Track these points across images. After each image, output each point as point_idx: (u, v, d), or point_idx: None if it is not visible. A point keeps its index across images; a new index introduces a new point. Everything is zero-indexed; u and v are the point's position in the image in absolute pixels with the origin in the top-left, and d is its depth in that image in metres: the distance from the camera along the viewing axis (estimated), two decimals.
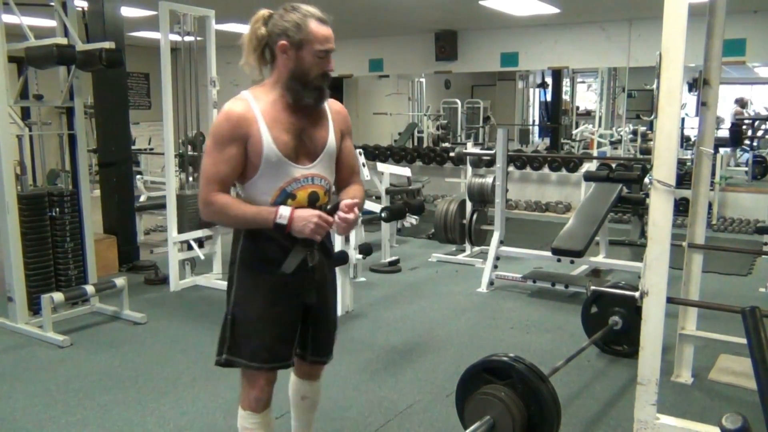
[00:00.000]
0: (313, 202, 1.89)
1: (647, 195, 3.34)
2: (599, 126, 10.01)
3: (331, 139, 1.94)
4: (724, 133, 9.53)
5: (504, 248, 5.15)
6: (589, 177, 5.70)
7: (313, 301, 1.99)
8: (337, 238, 4.15)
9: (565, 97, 12.09)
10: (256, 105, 1.83)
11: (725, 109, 10.47)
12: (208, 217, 1.89)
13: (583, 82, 12.95)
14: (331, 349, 2.14)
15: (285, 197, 1.86)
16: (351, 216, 1.84)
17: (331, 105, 1.98)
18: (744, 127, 10.26)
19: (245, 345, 1.92)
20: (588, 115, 12.29)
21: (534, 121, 13.12)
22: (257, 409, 1.98)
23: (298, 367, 2.18)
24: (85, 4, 5.29)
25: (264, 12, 1.88)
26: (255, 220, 1.83)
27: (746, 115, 10.76)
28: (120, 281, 4.19)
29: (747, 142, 10.29)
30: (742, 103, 10.64)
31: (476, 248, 6.00)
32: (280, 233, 1.83)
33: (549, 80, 11.96)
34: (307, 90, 1.84)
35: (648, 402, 2.44)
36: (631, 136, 9.55)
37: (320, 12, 1.84)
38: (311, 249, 1.91)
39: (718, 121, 7.85)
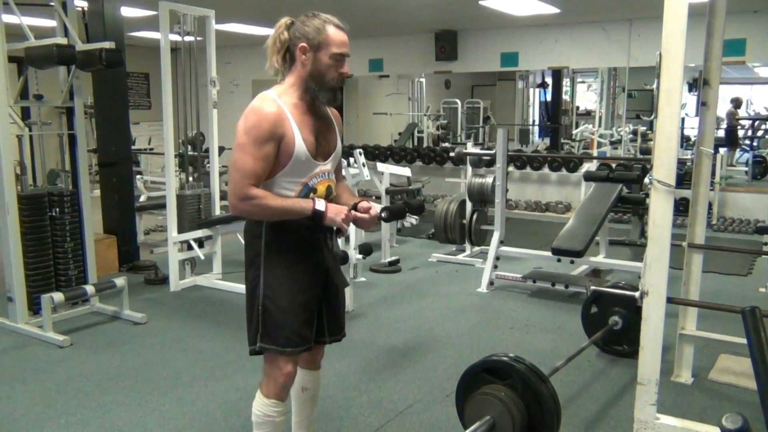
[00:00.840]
0: (328, 194, 2.08)
1: (647, 195, 3.34)
2: (599, 126, 10.01)
3: (339, 140, 2.14)
4: (723, 133, 9.54)
5: (504, 248, 5.15)
6: (589, 177, 5.70)
7: (345, 284, 2.15)
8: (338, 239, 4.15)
9: (565, 97, 12.08)
10: (284, 106, 1.96)
11: (725, 110, 10.46)
12: (243, 211, 1.97)
13: (583, 82, 12.94)
14: (344, 326, 2.28)
15: (308, 191, 2.02)
16: (373, 214, 2.06)
17: (332, 111, 2.15)
18: (741, 127, 10.27)
19: (279, 333, 2.03)
20: (588, 115, 12.28)
21: (534, 121, 13.11)
22: (283, 397, 2.09)
23: (302, 357, 2.24)
24: (85, 4, 5.30)
25: (286, 19, 2.02)
26: (293, 209, 1.96)
27: (739, 115, 10.73)
28: (120, 281, 4.19)
29: (747, 142, 10.30)
30: (737, 103, 10.63)
31: (476, 248, 6.00)
32: (305, 225, 2.00)
33: (549, 80, 11.96)
34: (323, 90, 1.99)
35: (648, 402, 2.44)
36: (631, 136, 9.55)
37: (338, 20, 1.99)
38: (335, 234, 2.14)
39: (718, 121, 7.85)
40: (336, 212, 1.98)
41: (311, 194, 2.02)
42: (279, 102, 1.96)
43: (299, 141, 1.95)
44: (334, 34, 1.95)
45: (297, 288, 2.03)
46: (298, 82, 1.99)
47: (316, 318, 2.13)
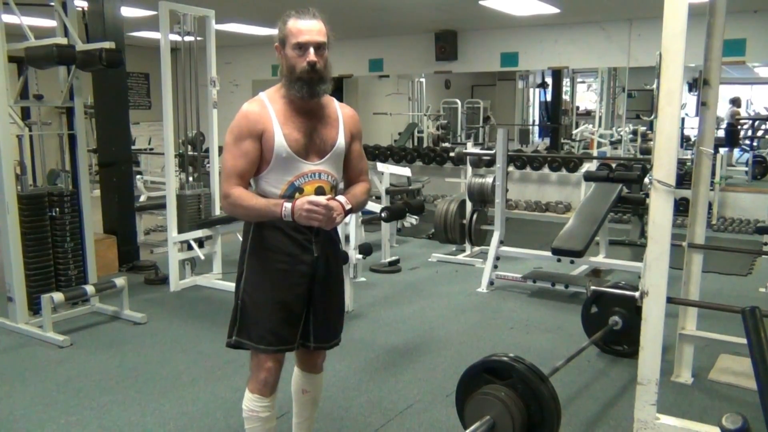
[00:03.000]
0: (319, 195, 1.98)
1: (647, 195, 3.34)
2: (599, 126, 10.02)
3: (341, 140, 2.05)
4: (723, 133, 9.53)
5: (504, 248, 5.15)
6: (589, 177, 5.70)
7: (304, 289, 2.05)
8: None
9: (565, 97, 12.08)
10: (270, 106, 1.98)
11: (724, 110, 10.46)
12: (226, 209, 2.03)
13: (583, 82, 12.95)
14: (337, 335, 2.21)
15: (293, 190, 1.99)
16: (319, 209, 1.88)
17: (343, 109, 2.10)
18: (741, 126, 10.27)
19: (253, 328, 2.04)
20: (588, 115, 12.28)
21: (534, 121, 13.12)
22: (265, 393, 2.08)
23: (301, 358, 2.26)
24: (85, 4, 5.29)
25: None
26: (264, 211, 1.95)
27: (740, 114, 10.74)
28: (120, 281, 4.19)
29: (747, 142, 10.30)
30: (738, 103, 10.63)
31: (476, 248, 6.00)
32: (287, 223, 1.95)
33: (549, 80, 11.96)
34: (292, 82, 1.95)
35: (648, 402, 2.44)
36: (631, 136, 9.55)
37: (308, 10, 1.94)
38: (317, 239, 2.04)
39: (718, 121, 7.84)
40: (298, 212, 1.88)
41: (297, 194, 1.97)
42: (265, 102, 1.99)
43: (279, 138, 1.94)
44: (293, 24, 1.92)
45: (276, 286, 2.02)
46: (282, 81, 2.00)
47: (303, 321, 2.09)
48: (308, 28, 1.91)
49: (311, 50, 1.91)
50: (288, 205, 1.90)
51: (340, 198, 1.99)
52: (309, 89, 1.94)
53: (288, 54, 1.94)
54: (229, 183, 1.95)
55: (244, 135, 1.94)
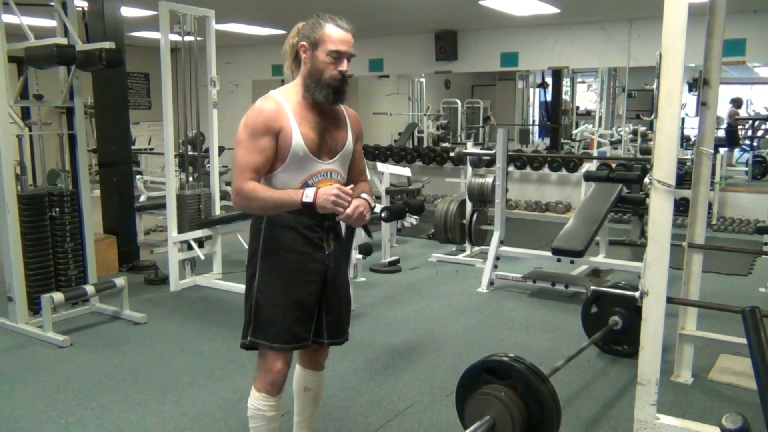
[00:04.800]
0: None
1: (647, 195, 3.34)
2: (599, 126, 10.02)
3: (349, 141, 2.12)
4: (723, 133, 9.54)
5: (504, 248, 5.15)
6: (589, 177, 5.70)
7: (317, 287, 2.08)
8: None
9: (565, 97, 12.08)
10: (285, 103, 2.00)
11: (724, 110, 10.46)
12: (239, 205, 2.01)
13: (583, 82, 12.94)
14: (347, 330, 2.24)
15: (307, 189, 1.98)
16: (359, 210, 1.97)
17: (348, 111, 2.16)
18: (741, 127, 10.27)
19: (269, 328, 2.04)
20: (588, 115, 12.28)
21: (534, 121, 13.11)
22: (273, 393, 2.09)
23: (304, 356, 2.27)
24: (85, 4, 5.30)
25: (300, 24, 2.05)
26: (282, 201, 1.95)
27: (740, 114, 10.73)
28: (120, 281, 4.19)
29: (747, 142, 10.31)
30: (738, 103, 10.63)
31: (476, 248, 6.00)
32: (300, 222, 2.00)
33: (549, 80, 11.95)
34: (319, 87, 1.98)
35: (648, 402, 2.44)
36: (631, 136, 9.55)
37: (342, 20, 2.00)
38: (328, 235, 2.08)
39: (718, 121, 7.84)
40: (324, 197, 1.91)
41: None
42: (280, 99, 1.99)
43: (297, 136, 1.96)
44: (332, 31, 1.96)
45: (291, 285, 2.03)
46: (301, 80, 2.02)
47: (316, 318, 2.12)
48: (347, 39, 1.98)
49: (345, 61, 1.98)
50: (310, 191, 1.92)
51: (365, 195, 2.03)
52: (335, 96, 2.00)
53: (319, 57, 1.96)
54: (242, 178, 1.94)
55: (262, 131, 1.94)
